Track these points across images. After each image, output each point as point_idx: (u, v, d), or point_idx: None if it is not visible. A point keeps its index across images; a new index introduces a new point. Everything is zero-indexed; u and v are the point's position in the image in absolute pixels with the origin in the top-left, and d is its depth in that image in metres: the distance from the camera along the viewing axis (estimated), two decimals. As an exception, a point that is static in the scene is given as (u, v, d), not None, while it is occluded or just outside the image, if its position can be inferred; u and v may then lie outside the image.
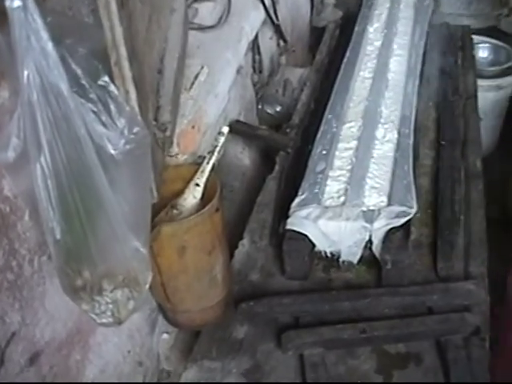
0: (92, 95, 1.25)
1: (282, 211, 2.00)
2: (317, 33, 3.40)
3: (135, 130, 1.27)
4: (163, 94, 1.59)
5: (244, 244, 2.04)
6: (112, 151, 1.25)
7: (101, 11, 1.27)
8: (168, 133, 1.61)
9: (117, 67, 1.29)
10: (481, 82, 3.40)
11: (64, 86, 1.18)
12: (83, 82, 1.25)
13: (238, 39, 2.37)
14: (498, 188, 3.77)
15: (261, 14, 2.66)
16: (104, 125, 1.25)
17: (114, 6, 1.27)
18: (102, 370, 1.72)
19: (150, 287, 1.48)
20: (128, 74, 1.31)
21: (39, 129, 1.18)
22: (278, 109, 2.71)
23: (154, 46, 1.58)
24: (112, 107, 1.26)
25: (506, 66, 3.78)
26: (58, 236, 1.26)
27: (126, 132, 1.26)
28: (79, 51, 1.27)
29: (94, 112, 1.24)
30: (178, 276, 1.76)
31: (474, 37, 3.34)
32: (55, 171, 1.21)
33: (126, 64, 1.29)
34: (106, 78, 1.27)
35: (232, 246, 2.00)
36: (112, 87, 1.26)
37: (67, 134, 1.20)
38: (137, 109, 1.36)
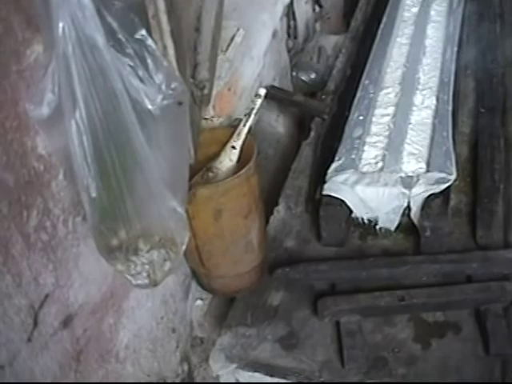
0: (129, 49, 1.21)
1: (319, 177, 1.98)
2: (352, 1, 3.35)
3: (173, 85, 1.24)
4: (201, 52, 1.56)
5: (279, 210, 2.02)
6: (149, 106, 1.22)
7: (138, -36, 1.24)
8: (206, 91, 1.58)
9: (155, 20, 1.27)
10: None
11: (100, 40, 1.14)
12: (120, 35, 1.22)
13: (274, 2, 2.34)
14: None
15: (297, -22, 2.63)
16: (141, 79, 1.21)
17: (152, -41, 1.24)
18: (135, 335, 1.71)
19: (185, 252, 1.46)
20: (166, 27, 1.28)
21: (74, 83, 1.14)
22: (313, 76, 2.67)
23: (191, 2, 1.55)
24: (149, 62, 1.22)
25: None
26: (94, 194, 1.22)
27: (163, 87, 1.23)
28: (116, 4, 1.23)
29: (130, 66, 1.21)
30: (213, 240, 1.73)
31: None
32: (91, 127, 1.18)
33: (164, 18, 1.26)
34: (144, 32, 1.23)
35: (267, 213, 1.98)
36: (149, 41, 1.22)
37: (103, 88, 1.17)
38: (175, 64, 1.33)
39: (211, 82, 1.63)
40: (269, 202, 2.04)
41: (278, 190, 2.11)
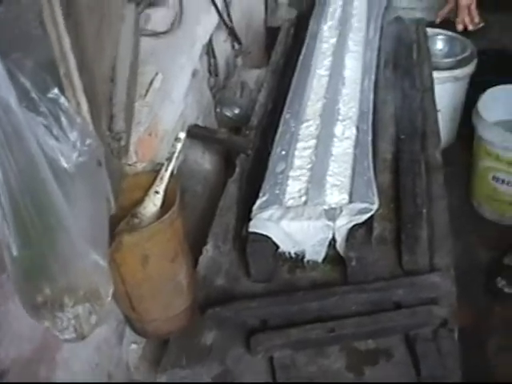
0: (42, 108, 1.23)
1: (245, 214, 1.99)
2: (272, 33, 3.40)
3: (88, 141, 1.25)
4: (116, 103, 1.57)
5: (208, 249, 2.03)
6: (65, 164, 1.23)
7: (46, 22, 1.25)
8: (123, 142, 1.60)
9: (66, 79, 1.28)
10: (437, 74, 3.44)
11: (13, 101, 1.15)
12: (33, 95, 1.23)
13: (192, 44, 2.36)
14: (460, 178, 3.82)
15: (214, 18, 2.66)
16: (56, 138, 1.23)
17: (59, 17, 1.26)
18: (71, 384, 1.71)
19: (116, 298, 1.47)
20: (78, 84, 1.29)
21: (-12, 146, 1.16)
22: (237, 111, 2.70)
23: (104, 54, 1.56)
24: (63, 120, 1.23)
25: (461, 57, 3.83)
26: (15, 253, 1.23)
27: (78, 144, 1.24)
28: (27, 64, 1.24)
29: (45, 126, 1.22)
30: (142, 285, 1.74)
31: (428, 29, 3.37)
32: (8, 187, 1.18)
33: (75, 75, 1.28)
34: (56, 91, 1.24)
35: (197, 252, 1.99)
36: (62, 99, 1.24)
37: (18, 149, 1.17)
38: (89, 120, 1.34)
39: (128, 132, 1.65)
40: (199, 239, 2.05)
41: (207, 227, 2.12)
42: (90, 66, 1.40)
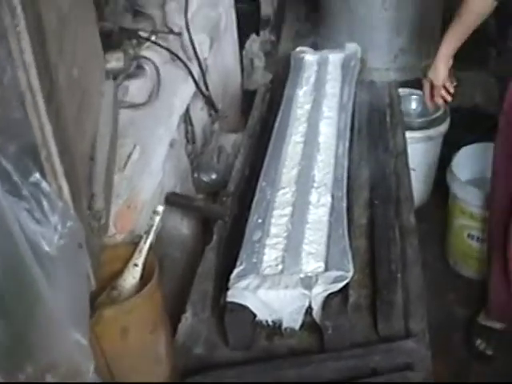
0: (24, 192, 1.26)
1: (223, 281, 2.01)
2: (249, 96, 3.45)
3: (68, 224, 1.29)
4: (96, 181, 1.61)
5: (187, 317, 2.04)
6: (47, 248, 1.26)
7: (28, 109, 1.29)
8: (103, 220, 1.63)
9: (48, 163, 1.31)
10: (411, 134, 3.50)
11: (-5, 185, 1.20)
12: (15, 179, 1.27)
13: (169, 114, 2.41)
14: (436, 236, 3.86)
15: (190, 87, 2.71)
16: (38, 221, 1.26)
17: (41, 102, 1.29)
18: None
19: (96, 370, 1.49)
20: (59, 168, 1.33)
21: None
22: (214, 176, 2.74)
23: (85, 133, 1.60)
24: (45, 203, 1.27)
25: (434, 116, 3.89)
26: (-3, 332, 1.26)
27: (59, 227, 1.28)
28: (9, 148, 1.28)
29: (27, 210, 1.26)
30: (121, 357, 1.77)
31: (401, 89, 3.43)
32: (-11, 270, 1.22)
33: (56, 160, 1.31)
34: (38, 175, 1.28)
35: (175, 318, 2.01)
36: (44, 184, 1.28)
37: (1, 233, 1.21)
38: (70, 202, 1.38)
39: (107, 210, 1.68)
40: (178, 305, 2.07)
41: (186, 294, 2.14)
42: (71, 148, 1.44)
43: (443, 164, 3.78)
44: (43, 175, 1.30)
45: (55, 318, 1.30)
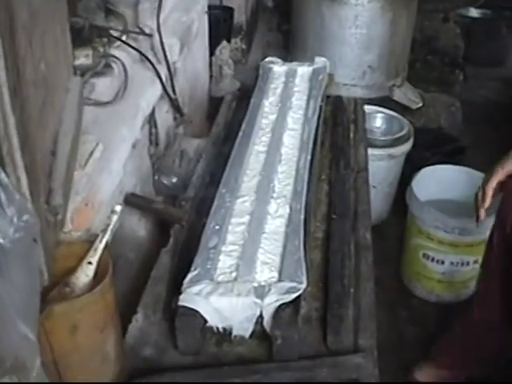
0: (-19, 183, 1.26)
1: (176, 286, 2.02)
2: (215, 103, 3.46)
3: (25, 217, 1.28)
4: (55, 177, 1.60)
5: (137, 318, 2.04)
6: (1, 240, 1.26)
7: (-9, 100, 1.28)
8: (60, 216, 1.63)
9: (8, 156, 1.31)
10: (374, 151, 3.54)
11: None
12: (-28, 169, 1.26)
13: (134, 115, 2.41)
14: (392, 253, 3.90)
15: (157, 90, 2.72)
16: (-6, 213, 1.26)
17: (6, 96, 1.29)
18: None
19: (43, 366, 1.48)
20: (20, 163, 1.32)
21: None
22: (174, 180, 2.74)
23: (47, 128, 1.60)
24: (2, 195, 1.26)
25: (397, 135, 3.95)
26: None
27: (15, 220, 1.27)
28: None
29: (-17, 201, 1.25)
30: (69, 354, 1.76)
31: (367, 107, 3.47)
32: None
33: (17, 154, 1.31)
34: (-4, 166, 1.28)
35: (126, 319, 2.01)
36: (2, 175, 1.27)
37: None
38: (28, 195, 1.37)
39: (65, 206, 1.68)
40: (129, 307, 2.07)
41: (138, 295, 2.14)
42: (33, 142, 1.43)
43: (404, 182, 3.82)
44: (2, 166, 1.29)
45: (5, 311, 1.29)
